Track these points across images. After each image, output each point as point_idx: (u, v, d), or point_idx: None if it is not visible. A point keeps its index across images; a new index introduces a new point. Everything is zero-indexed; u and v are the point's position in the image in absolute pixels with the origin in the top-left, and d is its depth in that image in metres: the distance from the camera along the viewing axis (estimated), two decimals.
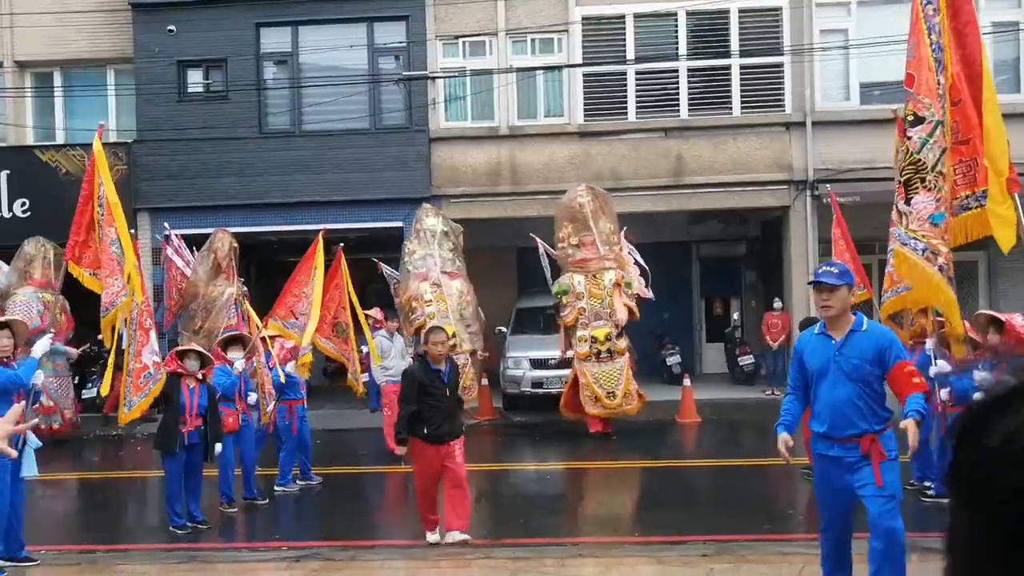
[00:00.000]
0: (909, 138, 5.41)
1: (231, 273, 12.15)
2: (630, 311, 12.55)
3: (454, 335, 13.36)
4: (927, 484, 8.36)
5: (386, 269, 14.88)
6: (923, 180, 5.37)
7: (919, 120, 5.36)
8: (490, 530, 8.08)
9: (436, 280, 13.54)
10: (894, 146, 8.98)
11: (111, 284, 7.90)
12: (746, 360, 16.96)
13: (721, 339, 18.53)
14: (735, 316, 18.90)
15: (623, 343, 12.54)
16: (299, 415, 9.74)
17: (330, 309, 11.26)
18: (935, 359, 7.34)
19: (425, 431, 7.31)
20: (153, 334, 8.03)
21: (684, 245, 19.15)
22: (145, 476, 10.94)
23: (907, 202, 5.48)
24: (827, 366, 4.81)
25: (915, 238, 5.44)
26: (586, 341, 12.40)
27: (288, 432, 9.59)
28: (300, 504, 9.41)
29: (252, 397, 8.97)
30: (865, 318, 4.88)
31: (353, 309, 11.58)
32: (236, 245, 12.74)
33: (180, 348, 8.47)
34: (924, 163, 5.34)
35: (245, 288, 13.66)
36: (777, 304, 16.26)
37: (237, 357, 8.95)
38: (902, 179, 5.46)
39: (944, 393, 7.00)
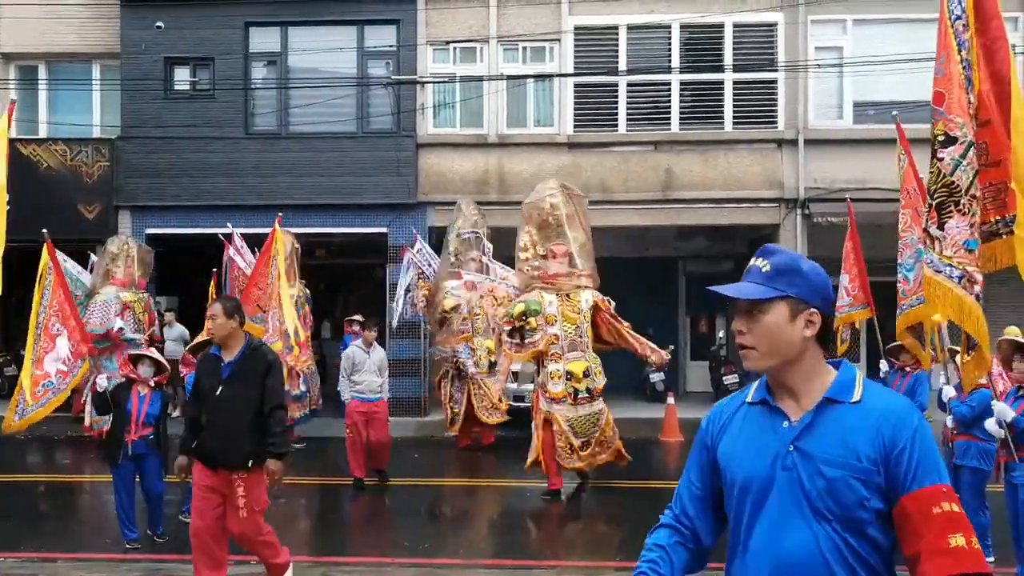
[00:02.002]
0: (941, 159, 5.16)
1: (291, 275, 11.81)
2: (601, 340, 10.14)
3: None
4: None
5: (424, 256, 13.84)
6: (957, 204, 5.12)
7: (951, 140, 5.13)
8: (466, 550, 7.85)
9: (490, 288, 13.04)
10: (896, 164, 8.80)
11: None
12: (731, 379, 16.80)
13: (706, 357, 18.36)
14: (720, 334, 18.74)
15: (602, 380, 10.08)
16: None
17: (262, 287, 10.09)
18: (947, 381, 7.03)
19: (193, 444, 5.69)
20: (61, 340, 7.48)
21: (670, 261, 18.99)
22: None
23: (940, 227, 5.19)
24: (768, 480, 2.22)
25: (950, 265, 5.12)
26: (560, 377, 9.78)
27: None
28: (272, 517, 9.11)
29: None
30: (858, 373, 2.31)
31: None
32: (298, 246, 12.50)
33: (133, 353, 8.17)
34: (958, 186, 5.11)
35: (307, 291, 13.43)
36: None
37: None
38: (934, 202, 5.19)
39: (950, 420, 6.79)
